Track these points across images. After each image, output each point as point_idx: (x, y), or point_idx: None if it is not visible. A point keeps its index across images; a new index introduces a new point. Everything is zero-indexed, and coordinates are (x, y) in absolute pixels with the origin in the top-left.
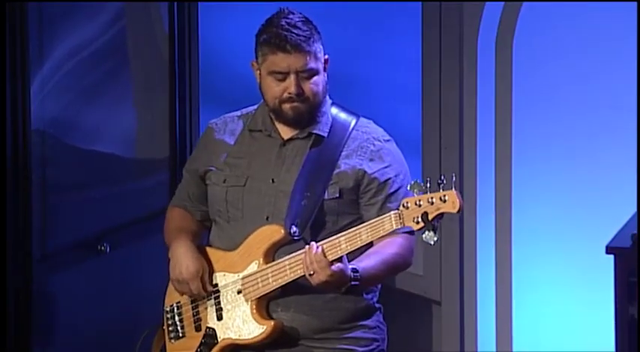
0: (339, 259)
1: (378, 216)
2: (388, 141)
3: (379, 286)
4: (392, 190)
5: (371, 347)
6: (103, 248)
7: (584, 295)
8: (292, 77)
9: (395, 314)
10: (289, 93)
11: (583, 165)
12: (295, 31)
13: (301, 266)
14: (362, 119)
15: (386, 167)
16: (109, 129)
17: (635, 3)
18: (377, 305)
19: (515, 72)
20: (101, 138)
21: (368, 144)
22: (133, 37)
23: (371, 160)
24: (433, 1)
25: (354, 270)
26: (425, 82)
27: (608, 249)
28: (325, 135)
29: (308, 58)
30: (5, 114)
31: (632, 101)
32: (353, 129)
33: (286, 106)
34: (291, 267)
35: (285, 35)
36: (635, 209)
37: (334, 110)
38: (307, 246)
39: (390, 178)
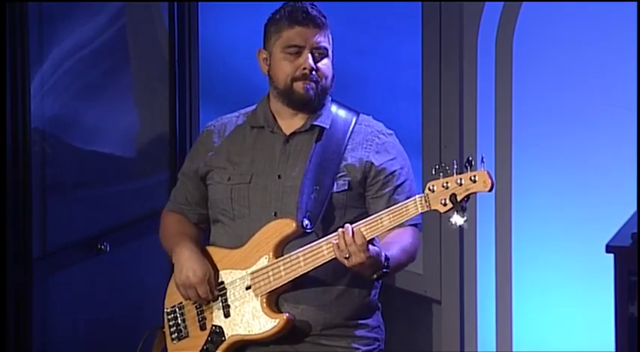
0: (371, 242)
1: (387, 208)
2: (391, 134)
3: (380, 283)
4: (398, 182)
5: (372, 347)
6: (102, 247)
7: (584, 294)
8: (307, 52)
9: (395, 313)
10: (304, 69)
11: (583, 165)
12: (313, 7)
13: (315, 258)
14: (362, 115)
15: (392, 159)
16: (109, 128)
17: (635, 3)
18: (378, 303)
19: (515, 71)
20: (101, 137)
21: (373, 138)
22: (133, 36)
23: (377, 153)
24: (433, 0)
25: (386, 258)
26: (425, 82)
27: (608, 248)
28: (327, 126)
29: (324, 35)
30: (5, 113)
31: (632, 100)
32: (356, 123)
33: (298, 84)
34: (305, 260)
35: (305, 8)
36: (635, 208)
37: (334, 106)
38: (340, 230)
39: (396, 170)
